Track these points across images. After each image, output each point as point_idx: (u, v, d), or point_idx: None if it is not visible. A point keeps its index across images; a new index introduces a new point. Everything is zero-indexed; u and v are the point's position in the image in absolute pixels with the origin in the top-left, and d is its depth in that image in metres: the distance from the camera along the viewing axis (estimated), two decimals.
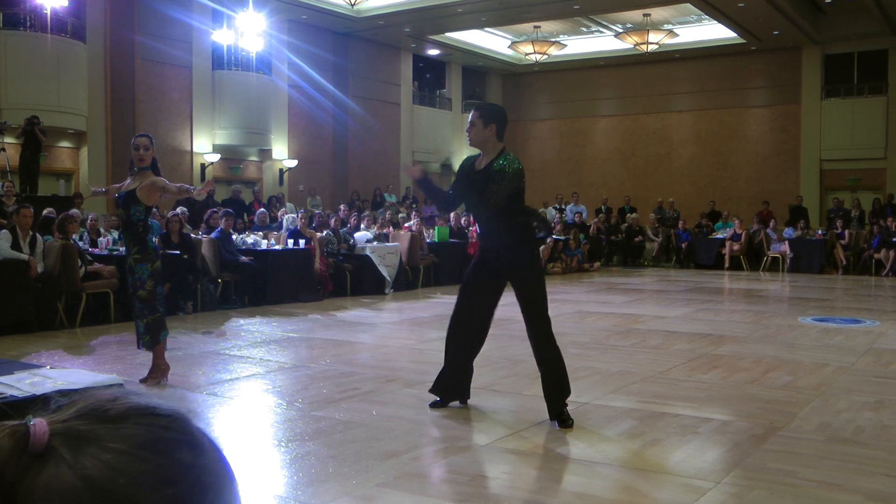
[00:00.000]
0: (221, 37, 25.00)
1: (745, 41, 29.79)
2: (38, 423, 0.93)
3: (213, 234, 15.86)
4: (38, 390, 4.70)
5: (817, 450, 6.00)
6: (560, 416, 6.70)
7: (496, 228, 7.04)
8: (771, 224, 26.38)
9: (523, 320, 7.09)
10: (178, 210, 16.64)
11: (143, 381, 8.35)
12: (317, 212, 20.74)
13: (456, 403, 7.37)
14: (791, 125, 31.01)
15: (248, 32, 24.49)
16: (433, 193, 7.61)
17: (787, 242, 25.17)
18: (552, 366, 6.90)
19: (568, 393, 6.85)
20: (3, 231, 12.52)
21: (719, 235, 26.73)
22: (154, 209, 17.72)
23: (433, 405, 7.30)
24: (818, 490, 5.14)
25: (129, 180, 8.43)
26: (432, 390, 7.36)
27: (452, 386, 7.34)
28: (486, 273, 7.16)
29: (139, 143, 8.39)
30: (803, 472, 5.46)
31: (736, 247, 25.64)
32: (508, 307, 15.56)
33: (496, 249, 7.07)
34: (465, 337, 7.31)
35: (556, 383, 6.83)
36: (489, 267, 7.13)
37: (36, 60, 20.80)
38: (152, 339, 8.38)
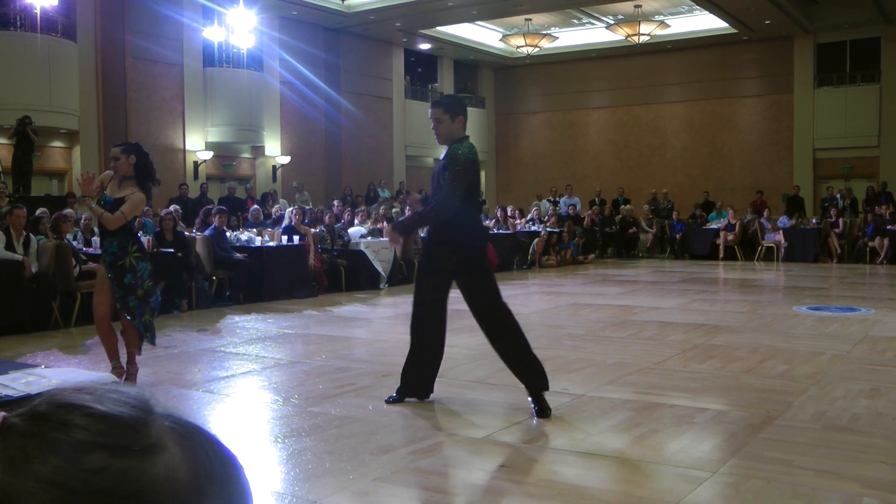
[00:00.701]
0: (212, 34, 24.96)
1: (736, 31, 29.79)
2: None
3: (206, 232, 15.84)
4: (34, 389, 4.68)
5: (813, 438, 6.01)
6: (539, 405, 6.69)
7: (449, 220, 6.86)
8: (765, 214, 26.39)
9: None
10: (172, 208, 16.62)
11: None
12: (307, 207, 20.70)
13: (413, 399, 7.27)
14: (784, 115, 31.02)
15: (239, 29, 24.48)
16: (421, 223, 7.35)
17: (781, 232, 25.18)
18: (517, 357, 6.86)
19: (542, 384, 6.78)
20: None
21: (713, 226, 26.73)
22: (147, 207, 17.73)
23: (390, 400, 7.25)
24: (815, 478, 5.14)
25: (110, 176, 8.18)
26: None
27: (416, 381, 7.25)
28: (434, 264, 7.09)
29: (111, 153, 8.19)
30: (800, 461, 5.46)
31: (730, 237, 25.66)
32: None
33: (442, 242, 6.97)
34: (429, 330, 7.20)
35: (528, 374, 6.81)
36: (436, 258, 7.04)
37: (27, 60, 20.74)
38: (152, 337, 8.32)
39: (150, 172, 8.14)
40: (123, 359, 8.29)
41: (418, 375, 7.21)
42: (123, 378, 8.08)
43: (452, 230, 6.86)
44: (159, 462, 0.87)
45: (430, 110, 6.98)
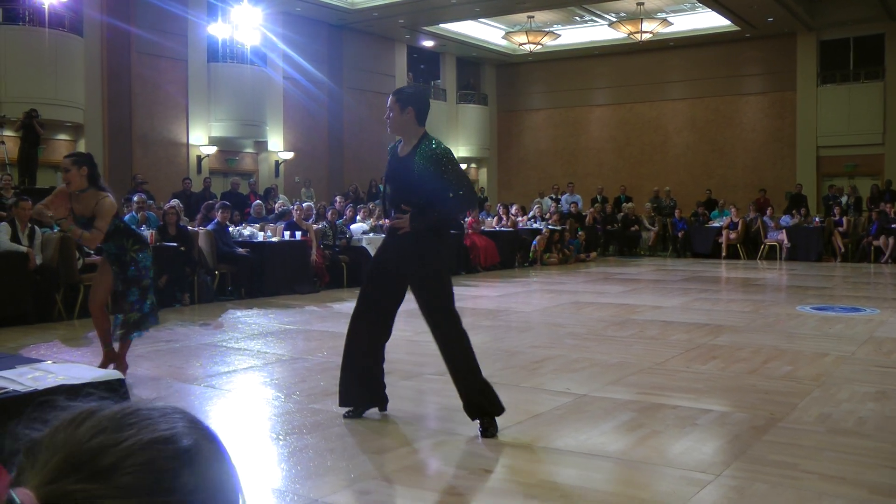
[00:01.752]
0: (217, 30, 25.05)
1: (739, 28, 29.81)
2: (23, 495, 0.90)
3: (209, 226, 15.85)
4: (40, 385, 4.67)
5: (819, 441, 5.95)
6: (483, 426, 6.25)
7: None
8: (768, 212, 26.36)
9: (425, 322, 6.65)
10: (174, 202, 16.61)
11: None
12: (309, 203, 20.68)
13: (374, 411, 6.83)
14: (787, 112, 31.00)
15: (244, 25, 24.50)
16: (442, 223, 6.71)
17: (784, 230, 25.14)
18: (465, 377, 6.38)
19: (494, 409, 6.31)
20: (2, 223, 12.63)
21: (716, 224, 26.71)
22: (150, 201, 17.74)
23: (347, 416, 6.74)
24: (821, 483, 5.10)
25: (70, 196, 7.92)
26: (341, 403, 6.75)
27: (365, 391, 6.75)
28: (387, 269, 6.68)
29: (62, 164, 8.02)
30: (805, 465, 5.41)
31: (733, 235, 25.64)
32: (503, 298, 15.54)
33: (401, 242, 6.53)
34: (370, 336, 6.76)
35: (475, 395, 6.32)
36: (391, 262, 6.65)
37: (34, 54, 20.89)
38: (127, 332, 8.20)
39: (99, 177, 8.04)
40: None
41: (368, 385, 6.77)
42: (125, 371, 8.02)
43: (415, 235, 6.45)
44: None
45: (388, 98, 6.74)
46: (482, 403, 6.27)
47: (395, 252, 6.60)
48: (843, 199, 27.10)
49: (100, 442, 0.97)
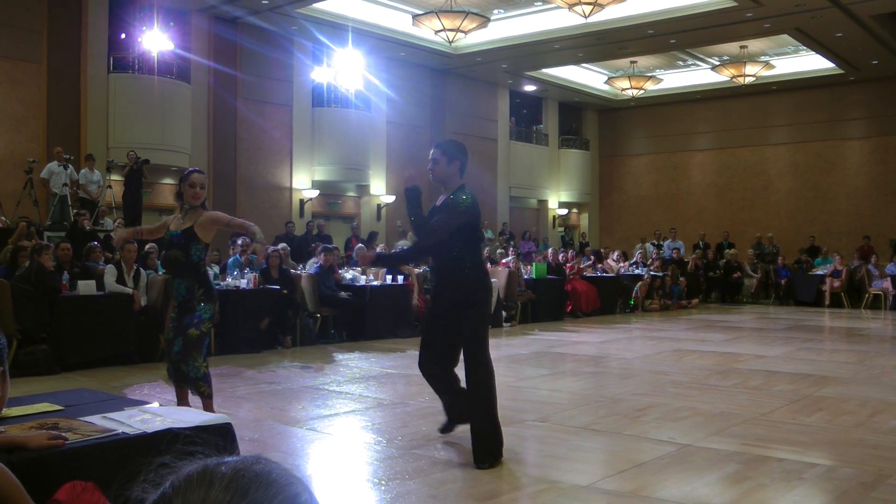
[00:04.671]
0: (321, 75, 25.49)
1: (843, 71, 29.45)
2: None
3: (312, 270, 16.07)
4: (149, 428, 4.78)
5: None
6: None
7: (446, 267, 7.04)
8: (873, 260, 25.87)
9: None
10: (280, 246, 16.87)
11: None
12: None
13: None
14: (891, 157, 30.47)
15: (347, 70, 24.88)
16: (415, 210, 7.47)
17: (889, 279, 24.66)
18: (477, 419, 6.87)
19: (493, 455, 6.77)
20: (109, 265, 12.94)
21: (819, 272, 26.28)
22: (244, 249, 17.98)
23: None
24: None
25: (175, 217, 7.88)
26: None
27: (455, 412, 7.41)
28: (437, 315, 7.15)
29: (196, 179, 7.77)
30: None
31: (836, 283, 25.22)
32: (605, 344, 15.49)
33: (443, 289, 7.09)
34: (433, 374, 7.31)
35: (480, 439, 6.78)
36: (439, 308, 7.12)
37: (142, 101, 21.55)
38: (209, 393, 7.86)
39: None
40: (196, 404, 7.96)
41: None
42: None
43: (457, 283, 6.94)
44: None
45: (431, 150, 7.27)
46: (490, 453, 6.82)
47: (442, 299, 7.11)
48: None
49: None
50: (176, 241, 7.59)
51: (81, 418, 4.89)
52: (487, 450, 6.69)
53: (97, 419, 4.89)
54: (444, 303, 7.00)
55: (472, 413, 6.88)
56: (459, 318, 6.88)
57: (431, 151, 7.22)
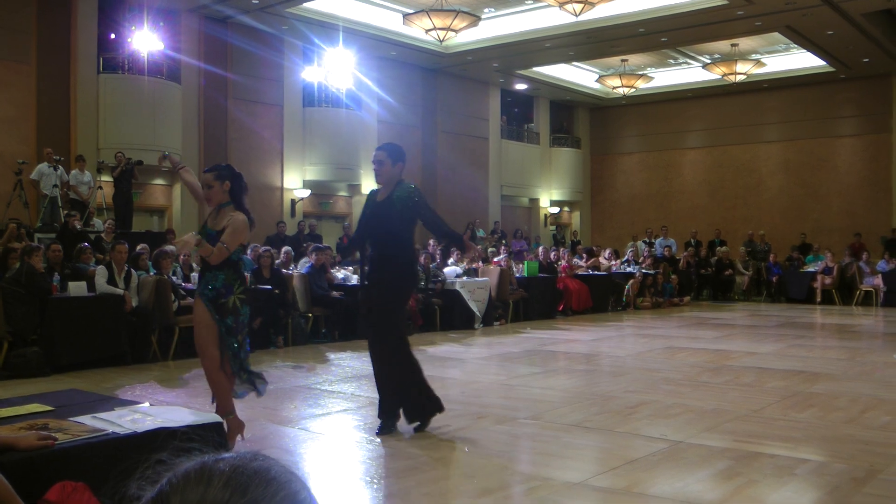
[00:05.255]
0: (311, 74, 25.47)
1: (834, 69, 29.45)
2: None
3: (304, 270, 16.06)
4: (139, 428, 4.78)
5: None
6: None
7: (386, 260, 7.79)
8: (864, 257, 25.89)
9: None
10: (287, 249, 16.97)
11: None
12: None
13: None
14: (882, 154, 30.48)
15: (338, 70, 24.87)
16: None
17: (880, 276, 24.69)
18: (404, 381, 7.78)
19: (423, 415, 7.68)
20: (100, 267, 12.91)
21: (810, 269, 26.30)
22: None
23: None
24: None
25: (211, 212, 7.38)
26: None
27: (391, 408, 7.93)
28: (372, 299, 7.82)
29: (204, 179, 7.34)
30: None
31: (828, 280, 25.25)
32: (597, 342, 15.48)
33: (378, 281, 7.81)
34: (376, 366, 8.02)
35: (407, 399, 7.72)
36: (375, 291, 7.83)
37: (132, 101, 21.51)
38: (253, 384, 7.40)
39: (242, 195, 7.37)
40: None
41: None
42: (243, 434, 7.33)
43: (399, 268, 7.77)
44: None
45: (374, 152, 8.04)
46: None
47: (374, 290, 7.91)
48: None
49: (243, 502, 1.05)
50: (211, 239, 7.10)
51: (72, 419, 4.89)
52: (416, 409, 7.70)
53: (87, 419, 4.89)
54: (379, 285, 7.74)
55: (400, 377, 7.74)
56: (389, 293, 7.69)
57: (376, 154, 7.94)
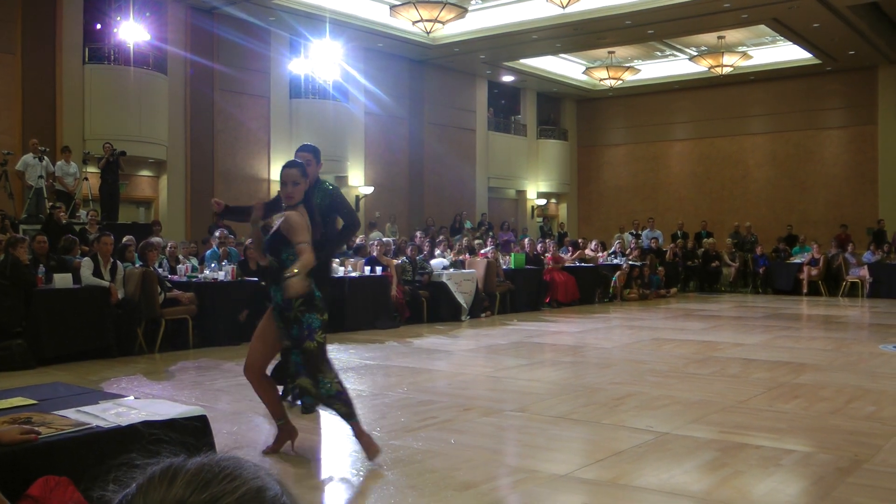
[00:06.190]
0: (298, 66, 25.43)
1: (820, 62, 29.54)
2: None
3: None
4: (123, 421, 4.75)
5: None
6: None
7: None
8: (849, 248, 25.95)
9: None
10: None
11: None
12: (390, 239, 20.80)
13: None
14: (868, 146, 30.57)
15: (325, 61, 24.82)
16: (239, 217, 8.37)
17: (866, 267, 24.75)
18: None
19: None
20: (86, 259, 12.83)
21: (797, 260, 26.36)
22: (231, 236, 17.87)
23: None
24: None
25: (279, 216, 6.91)
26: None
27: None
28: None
29: (286, 175, 6.74)
30: None
31: (814, 272, 25.30)
32: (583, 334, 15.48)
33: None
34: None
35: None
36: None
37: (118, 92, 21.43)
38: (349, 412, 6.56)
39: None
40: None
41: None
42: (294, 442, 6.95)
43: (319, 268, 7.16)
44: None
45: (297, 153, 8.09)
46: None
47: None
48: None
49: (201, 499, 1.04)
50: (267, 246, 6.83)
51: (55, 412, 4.86)
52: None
53: (71, 413, 4.87)
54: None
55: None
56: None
57: (300, 154, 7.93)
